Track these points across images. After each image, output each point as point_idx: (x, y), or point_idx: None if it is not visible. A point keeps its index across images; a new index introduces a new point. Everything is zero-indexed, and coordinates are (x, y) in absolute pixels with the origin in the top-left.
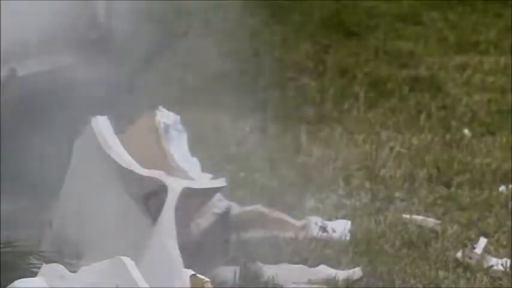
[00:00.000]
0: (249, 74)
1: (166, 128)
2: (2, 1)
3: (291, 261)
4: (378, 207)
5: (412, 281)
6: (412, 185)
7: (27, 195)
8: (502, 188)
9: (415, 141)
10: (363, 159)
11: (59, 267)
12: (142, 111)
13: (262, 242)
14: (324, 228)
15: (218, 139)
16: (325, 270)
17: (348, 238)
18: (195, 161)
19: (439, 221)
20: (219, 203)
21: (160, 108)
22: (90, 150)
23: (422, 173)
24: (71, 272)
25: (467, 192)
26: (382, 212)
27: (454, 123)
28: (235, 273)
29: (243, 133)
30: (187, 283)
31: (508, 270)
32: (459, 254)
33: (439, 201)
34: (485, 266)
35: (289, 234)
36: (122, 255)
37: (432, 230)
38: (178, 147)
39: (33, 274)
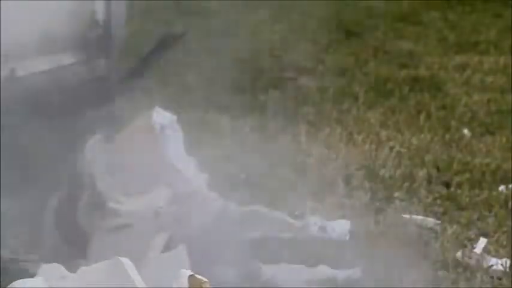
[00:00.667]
0: (249, 73)
1: (163, 128)
2: (2, 1)
3: (291, 261)
4: (377, 207)
5: (412, 281)
6: (412, 184)
7: (27, 195)
8: (502, 188)
9: (414, 141)
10: (362, 159)
11: (59, 267)
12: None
13: (262, 242)
14: (323, 228)
15: (218, 139)
16: (324, 270)
17: (347, 238)
18: (191, 160)
19: (438, 221)
20: (215, 202)
21: (157, 108)
22: None
23: (422, 173)
24: (70, 272)
25: (466, 192)
26: (381, 212)
27: (453, 123)
28: (235, 273)
29: (243, 133)
30: (186, 283)
31: (507, 270)
32: (459, 254)
33: (438, 201)
34: (485, 266)
35: (289, 234)
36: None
37: (432, 230)
38: (175, 147)
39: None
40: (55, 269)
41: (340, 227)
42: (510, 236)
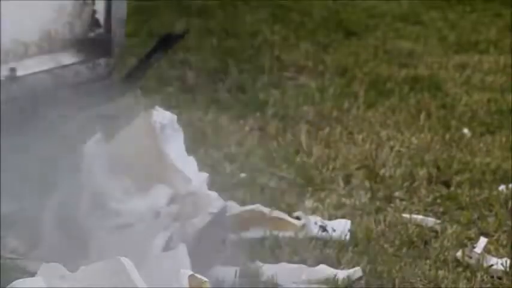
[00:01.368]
0: (249, 73)
1: (163, 127)
2: (2, 1)
3: (291, 261)
4: (377, 206)
5: (412, 281)
6: (412, 184)
7: (27, 195)
8: (502, 188)
9: (414, 140)
10: (362, 158)
11: (59, 267)
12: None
13: (262, 242)
14: (323, 228)
15: (218, 139)
16: (325, 270)
17: (347, 238)
18: (191, 160)
19: (438, 221)
20: (215, 202)
21: (157, 107)
22: None
23: (422, 173)
24: (70, 272)
25: (467, 191)
26: (381, 211)
27: (453, 122)
28: (235, 273)
29: (243, 133)
30: (186, 283)
31: (508, 269)
32: (459, 254)
33: (438, 201)
34: (485, 265)
35: (289, 234)
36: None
37: (432, 230)
38: (175, 147)
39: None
40: (55, 269)
41: (340, 226)
42: (510, 235)
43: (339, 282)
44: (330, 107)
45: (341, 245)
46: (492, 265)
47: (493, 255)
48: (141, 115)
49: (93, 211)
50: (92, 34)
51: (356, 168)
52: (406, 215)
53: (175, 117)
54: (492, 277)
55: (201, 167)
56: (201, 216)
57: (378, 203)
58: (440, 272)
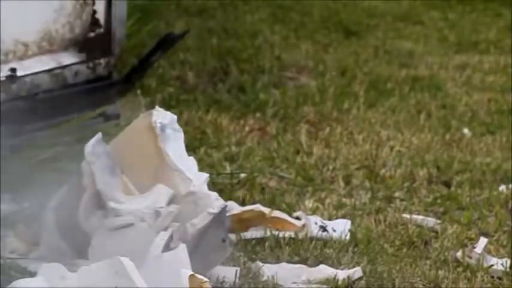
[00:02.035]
0: (249, 73)
1: (163, 127)
2: (2, 1)
3: (291, 261)
4: (377, 206)
5: (412, 281)
6: (412, 184)
7: (27, 195)
8: (502, 188)
9: (415, 140)
10: (362, 158)
11: (59, 267)
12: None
13: (262, 242)
14: (323, 228)
15: (218, 139)
16: (325, 270)
17: (347, 238)
18: (191, 160)
19: (439, 221)
20: (215, 202)
21: (157, 107)
22: None
23: (422, 173)
24: (70, 272)
25: (467, 191)
26: (382, 211)
27: (454, 122)
28: (235, 273)
29: (243, 133)
30: (186, 283)
31: (508, 269)
32: (459, 254)
33: (439, 201)
34: (485, 265)
35: (289, 234)
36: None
37: (432, 230)
38: (175, 147)
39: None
40: (55, 269)
41: (340, 226)
42: (510, 236)
43: (339, 283)
44: (330, 107)
45: (341, 245)
46: (492, 265)
47: (493, 256)
48: (141, 115)
49: (93, 211)
50: (92, 34)
51: (356, 168)
52: (406, 215)
53: (175, 117)
54: (492, 277)
55: (201, 167)
56: (201, 216)
57: (378, 203)
58: (441, 272)
